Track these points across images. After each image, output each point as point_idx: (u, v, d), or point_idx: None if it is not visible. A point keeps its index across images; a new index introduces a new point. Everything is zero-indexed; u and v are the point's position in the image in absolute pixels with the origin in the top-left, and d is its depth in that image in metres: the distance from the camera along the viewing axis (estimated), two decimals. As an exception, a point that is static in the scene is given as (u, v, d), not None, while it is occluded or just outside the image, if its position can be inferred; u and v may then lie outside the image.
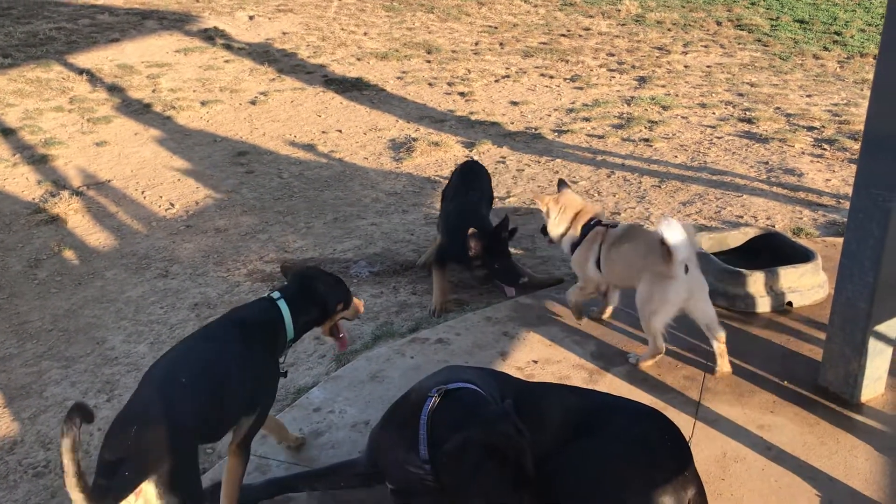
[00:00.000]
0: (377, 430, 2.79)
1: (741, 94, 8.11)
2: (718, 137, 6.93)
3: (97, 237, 5.45)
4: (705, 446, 3.11)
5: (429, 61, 9.60)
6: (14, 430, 3.55)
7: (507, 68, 9.25)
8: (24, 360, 4.09)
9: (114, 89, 8.64)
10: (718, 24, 11.32)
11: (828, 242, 4.82)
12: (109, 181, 6.36)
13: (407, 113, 7.86)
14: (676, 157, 6.52)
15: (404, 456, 2.55)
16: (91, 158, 6.86)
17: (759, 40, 10.38)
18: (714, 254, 4.27)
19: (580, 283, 3.88)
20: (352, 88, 8.59)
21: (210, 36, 10.64)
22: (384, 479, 2.71)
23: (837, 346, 3.36)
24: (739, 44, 10.24)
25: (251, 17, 11.71)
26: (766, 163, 6.31)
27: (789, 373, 3.58)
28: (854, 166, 6.07)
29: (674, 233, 3.27)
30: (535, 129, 7.28)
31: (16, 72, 9.01)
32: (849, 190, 5.66)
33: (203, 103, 8.19)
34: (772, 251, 4.39)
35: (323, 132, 7.40)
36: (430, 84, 8.74)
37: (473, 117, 7.66)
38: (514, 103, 8.08)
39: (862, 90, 8.15)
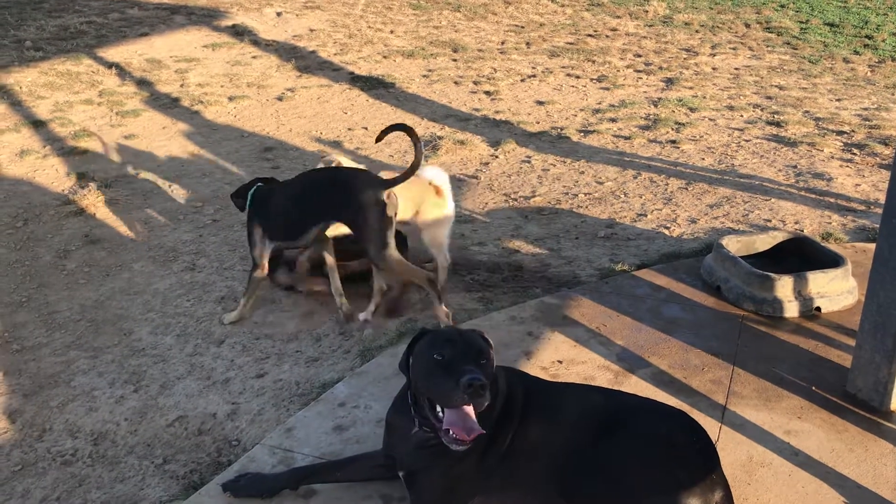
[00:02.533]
0: (388, 413, 2.88)
1: (769, 97, 8.04)
2: (746, 140, 6.88)
3: (125, 229, 5.51)
4: (731, 450, 3.09)
5: (455, 60, 9.60)
6: (42, 418, 3.60)
7: (534, 68, 9.23)
8: (53, 349, 4.14)
9: (142, 83, 8.72)
10: (747, 26, 11.23)
11: (857, 248, 4.77)
12: (137, 174, 6.42)
13: (432, 111, 7.87)
14: (704, 159, 6.48)
15: (405, 429, 2.68)
16: (119, 151, 6.93)
17: (788, 43, 10.28)
18: (742, 257, 4.25)
19: None
20: (378, 86, 8.61)
21: (238, 31, 10.71)
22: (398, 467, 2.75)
23: (867, 353, 3.32)
24: (768, 46, 10.15)
25: (279, 14, 11.77)
26: (795, 167, 6.25)
27: (817, 378, 3.55)
28: (885, 172, 6.03)
29: (440, 175, 4.26)
30: (561, 129, 7.26)
31: (47, 65, 9.13)
32: (879, 195, 5.60)
33: (230, 98, 8.24)
34: (800, 255, 4.36)
35: (349, 129, 7.42)
36: (455, 83, 8.74)
37: (499, 116, 7.65)
38: (540, 103, 8.06)
39: (893, 95, 8.05)
